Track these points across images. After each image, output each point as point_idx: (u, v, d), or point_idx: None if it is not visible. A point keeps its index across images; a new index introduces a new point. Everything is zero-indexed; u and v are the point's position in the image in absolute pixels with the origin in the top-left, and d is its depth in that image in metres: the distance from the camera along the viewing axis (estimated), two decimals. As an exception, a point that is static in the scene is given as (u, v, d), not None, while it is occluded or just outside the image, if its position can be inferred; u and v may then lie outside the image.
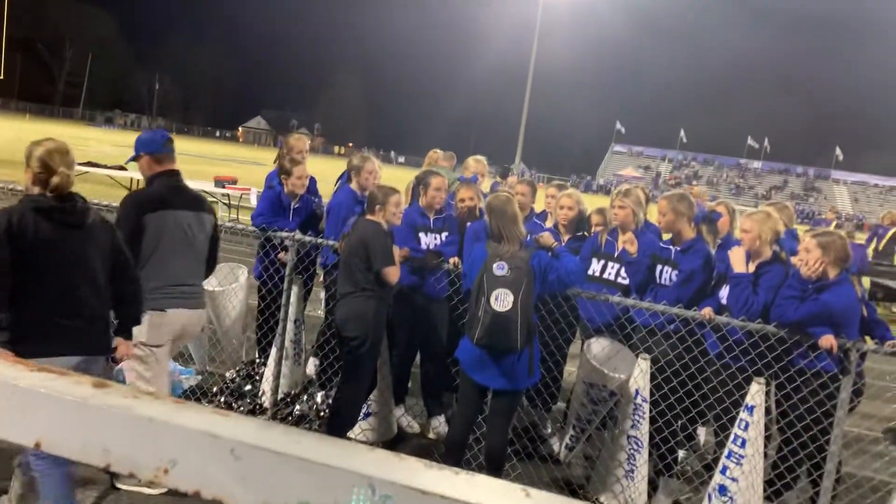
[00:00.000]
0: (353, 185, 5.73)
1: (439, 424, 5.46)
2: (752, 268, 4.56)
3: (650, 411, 4.63)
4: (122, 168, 15.89)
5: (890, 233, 14.33)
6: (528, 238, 4.48)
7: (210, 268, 4.34)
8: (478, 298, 4.20)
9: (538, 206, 6.68)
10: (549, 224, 5.95)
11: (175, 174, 4.13)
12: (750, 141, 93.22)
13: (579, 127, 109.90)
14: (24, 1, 74.33)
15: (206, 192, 15.32)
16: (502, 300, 4.11)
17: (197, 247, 4.12)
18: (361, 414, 5.02)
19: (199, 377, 5.58)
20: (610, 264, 5.28)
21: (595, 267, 5.32)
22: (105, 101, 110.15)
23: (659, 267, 4.89)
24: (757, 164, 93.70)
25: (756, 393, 4.24)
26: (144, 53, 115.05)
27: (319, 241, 5.29)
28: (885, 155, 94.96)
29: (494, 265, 4.18)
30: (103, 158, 21.87)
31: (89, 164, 16.01)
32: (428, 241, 5.35)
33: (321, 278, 5.96)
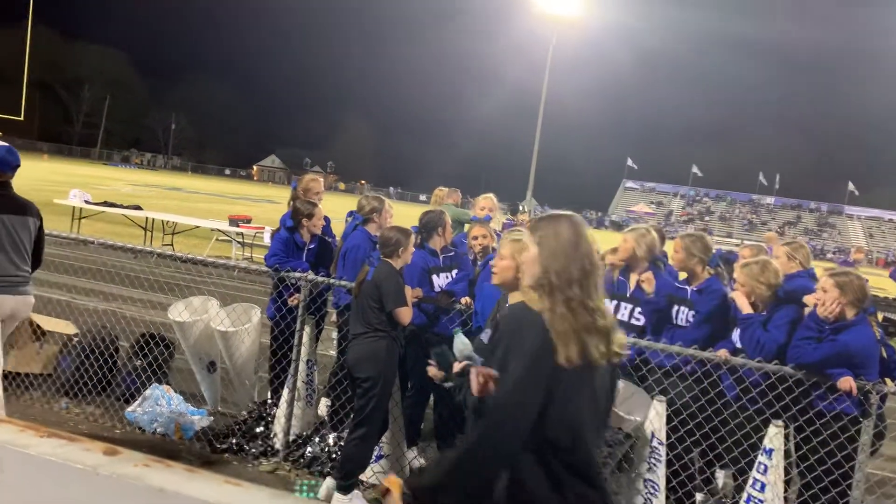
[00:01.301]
0: (372, 228, 5.70)
1: (452, 467, 5.38)
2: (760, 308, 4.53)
3: (667, 454, 4.55)
4: (137, 207, 16.04)
5: None
6: None
7: (36, 263, 4.92)
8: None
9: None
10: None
11: (5, 185, 4.71)
12: (761, 177, 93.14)
13: (591, 162, 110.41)
14: (44, 43, 75.86)
15: (220, 230, 15.43)
16: None
17: (21, 245, 4.71)
18: (373, 456, 4.96)
19: (211, 418, 5.55)
20: (623, 304, 5.22)
21: (608, 307, 5.27)
22: (122, 141, 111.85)
23: (675, 307, 4.85)
24: (769, 200, 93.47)
25: (774, 436, 4.17)
26: (160, 93, 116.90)
27: (332, 281, 5.29)
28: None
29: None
30: (119, 198, 22.12)
31: (105, 203, 16.16)
32: (440, 281, 5.35)
33: (333, 318, 5.95)
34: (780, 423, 4.20)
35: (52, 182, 32.14)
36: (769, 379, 4.31)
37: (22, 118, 41.83)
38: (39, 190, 27.17)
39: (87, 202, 15.41)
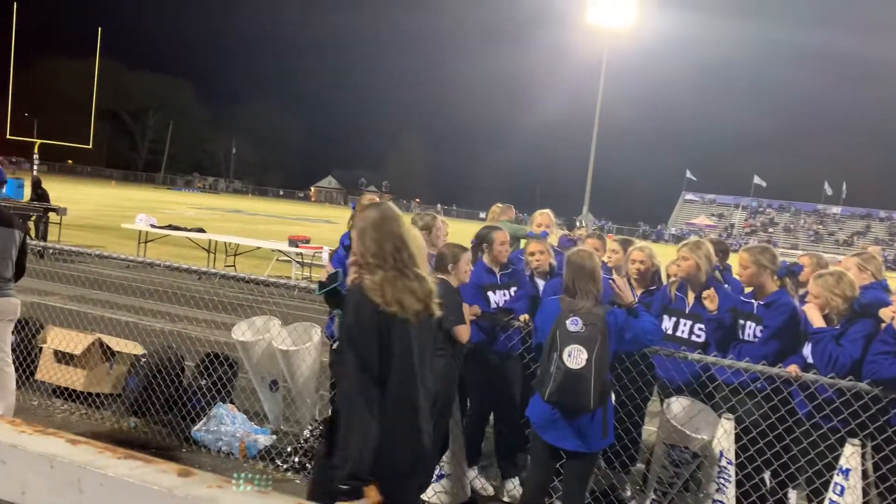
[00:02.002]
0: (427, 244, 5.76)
1: (514, 487, 5.32)
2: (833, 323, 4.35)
3: (736, 474, 4.41)
4: (200, 230, 16.46)
5: None
6: (605, 294, 4.39)
7: (19, 272, 5.34)
8: (550, 354, 4.10)
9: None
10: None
11: None
12: (826, 186, 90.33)
13: (648, 175, 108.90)
14: (110, 74, 78.91)
15: (280, 251, 15.70)
16: (575, 357, 4.00)
17: (6, 253, 5.18)
18: (434, 476, 4.94)
19: (274, 437, 5.62)
20: (682, 321, 5.09)
21: (667, 324, 5.12)
22: (184, 166, 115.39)
23: (741, 322, 4.71)
24: (836, 210, 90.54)
25: (851, 455, 4.00)
26: (221, 119, 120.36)
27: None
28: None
29: (568, 320, 4.08)
30: (183, 221, 22.76)
31: (170, 226, 16.64)
32: (496, 298, 5.32)
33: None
34: (856, 441, 4.03)
35: (120, 207, 33.26)
36: (843, 396, 4.15)
37: (90, 146, 43.43)
38: (108, 215, 28.19)
39: (152, 226, 15.89)
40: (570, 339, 4.03)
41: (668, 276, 5.42)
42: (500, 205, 9.12)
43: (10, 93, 37.01)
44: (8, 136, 39.95)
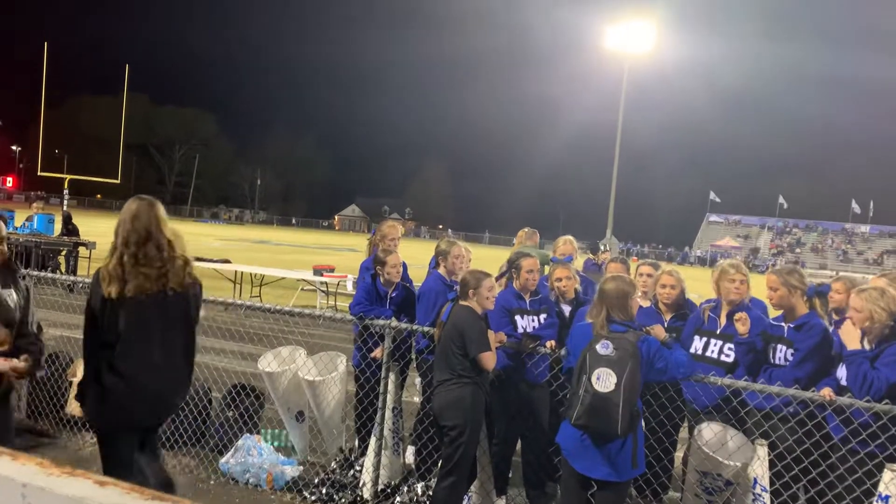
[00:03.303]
0: (441, 270, 5.79)
1: (543, 516, 5.25)
2: (867, 345, 4.25)
3: (771, 501, 4.31)
4: (227, 261, 16.60)
5: None
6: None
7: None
8: (579, 377, 4.07)
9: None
10: (644, 304, 5.79)
11: None
12: (854, 205, 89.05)
13: (672, 197, 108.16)
14: (137, 109, 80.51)
15: (306, 280, 15.75)
16: (604, 380, 3.96)
17: None
18: (463, 505, 4.89)
19: (301, 468, 5.60)
20: (713, 341, 5.02)
21: (697, 345, 5.07)
22: (211, 197, 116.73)
23: (772, 346, 4.64)
24: (864, 229, 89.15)
25: (890, 482, 3.89)
26: (246, 150, 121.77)
27: (414, 327, 5.31)
28: None
29: (599, 344, 4.05)
30: (210, 252, 22.98)
31: (197, 258, 16.77)
32: (524, 323, 5.29)
33: (416, 364, 5.96)
34: (895, 467, 3.92)
35: (147, 240, 33.69)
36: (880, 419, 4.04)
37: (119, 181, 44.21)
38: (136, 248, 28.51)
39: (179, 258, 16.05)
40: (599, 362, 3.99)
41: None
42: (526, 229, 9.12)
43: (41, 131, 37.82)
44: (39, 173, 40.78)
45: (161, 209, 3.78)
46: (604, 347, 4.02)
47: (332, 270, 14.87)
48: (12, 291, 3.64)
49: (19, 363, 3.45)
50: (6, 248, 3.73)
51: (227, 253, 23.46)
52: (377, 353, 5.56)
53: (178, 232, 3.82)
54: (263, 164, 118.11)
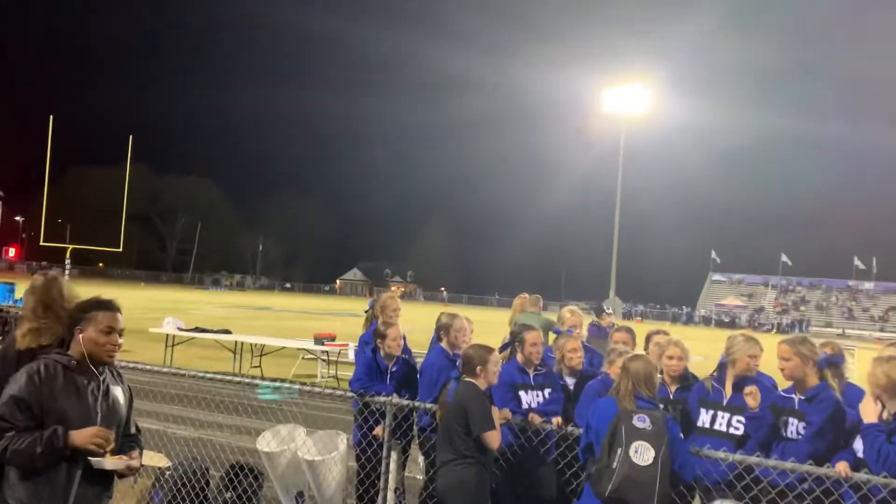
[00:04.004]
0: (444, 345, 5.72)
1: None
2: (885, 417, 4.13)
3: (790, 583, 4.13)
4: (226, 331, 16.49)
5: None
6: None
7: None
8: (611, 450, 4.00)
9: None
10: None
11: None
12: (857, 261, 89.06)
13: (674, 257, 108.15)
14: (140, 179, 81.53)
15: (306, 349, 15.64)
16: (642, 453, 3.93)
17: None
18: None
19: (301, 551, 5.41)
20: (720, 414, 4.91)
21: (704, 418, 4.95)
22: (212, 264, 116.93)
23: (783, 419, 4.52)
24: (868, 285, 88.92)
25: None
26: (248, 217, 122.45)
27: (417, 403, 5.20)
28: None
29: (636, 417, 4.03)
30: (211, 320, 22.89)
31: (196, 329, 16.70)
32: (529, 399, 5.19)
33: (418, 441, 5.83)
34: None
35: (148, 309, 33.60)
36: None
37: (121, 249, 44.44)
38: (136, 318, 28.35)
39: (179, 329, 15.96)
40: (637, 436, 3.97)
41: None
42: (524, 295, 9.05)
43: (44, 202, 38.21)
44: (42, 243, 41.05)
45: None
46: (641, 421, 4.01)
47: (333, 338, 14.75)
48: (120, 389, 3.39)
49: (133, 462, 3.19)
50: (121, 341, 3.35)
51: (228, 321, 23.37)
52: (378, 430, 5.44)
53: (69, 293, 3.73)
54: (265, 229, 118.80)
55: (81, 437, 3.02)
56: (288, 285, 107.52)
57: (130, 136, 42.10)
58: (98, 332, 3.19)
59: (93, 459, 3.04)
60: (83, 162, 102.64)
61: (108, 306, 3.29)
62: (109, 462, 3.06)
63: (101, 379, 3.24)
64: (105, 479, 3.21)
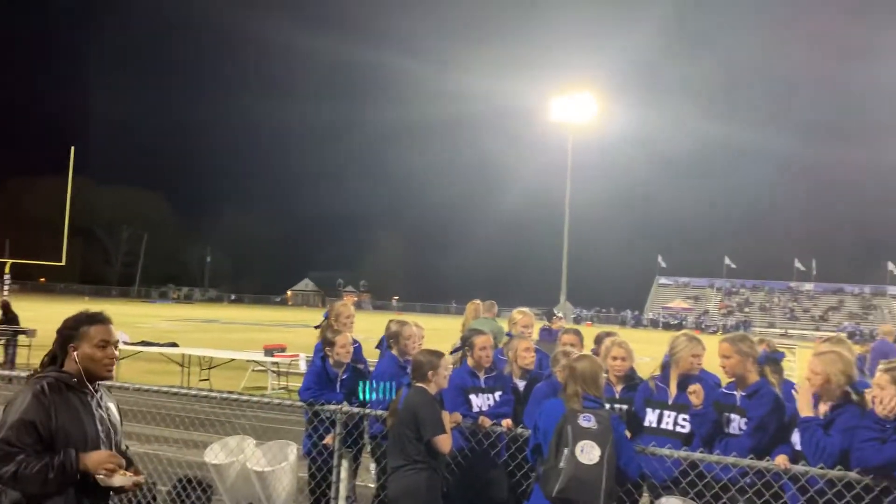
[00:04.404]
0: (395, 352, 5.73)
1: None
2: (822, 410, 4.28)
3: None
4: (173, 344, 16.18)
5: None
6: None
7: None
8: (559, 450, 4.04)
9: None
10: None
11: None
12: (797, 263, 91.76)
13: (622, 262, 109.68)
14: (83, 190, 79.43)
15: (256, 361, 15.41)
16: (588, 452, 3.99)
17: None
18: None
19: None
20: (666, 412, 5.02)
21: (651, 417, 5.05)
22: (159, 277, 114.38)
23: (725, 415, 4.64)
24: (809, 286, 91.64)
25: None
26: (195, 228, 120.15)
27: (367, 411, 5.19)
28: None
29: (581, 417, 4.10)
30: (158, 334, 22.42)
31: (142, 342, 16.35)
32: (479, 402, 5.23)
33: (370, 449, 5.81)
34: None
35: (93, 323, 32.69)
36: (835, 486, 4.04)
37: (63, 263, 43.19)
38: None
39: (124, 343, 15.59)
40: (583, 435, 4.03)
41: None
42: (477, 301, 9.09)
43: (-18, 215, 36.94)
44: (-22, 258, 39.65)
45: None
46: (586, 420, 4.07)
47: (283, 350, 14.59)
48: (113, 403, 3.28)
49: (139, 477, 3.08)
50: (117, 353, 3.23)
51: (176, 334, 22.92)
52: (329, 439, 5.41)
53: None
54: (213, 240, 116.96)
55: (93, 461, 2.92)
56: (233, 297, 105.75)
57: (72, 148, 40.98)
58: (93, 348, 3.09)
59: (100, 476, 2.94)
60: (22, 174, 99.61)
61: (100, 319, 3.18)
62: (118, 479, 2.96)
63: (99, 395, 3.16)
64: (104, 495, 3.10)
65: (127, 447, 3.43)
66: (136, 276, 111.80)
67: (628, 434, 4.67)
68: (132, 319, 41.40)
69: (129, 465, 3.19)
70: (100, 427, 3.08)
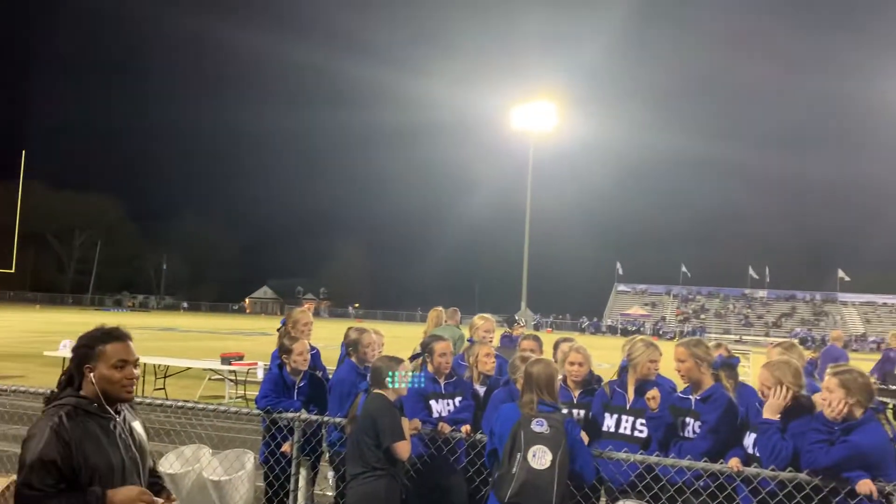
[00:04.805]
0: (354, 360, 5.71)
1: None
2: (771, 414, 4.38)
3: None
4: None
5: None
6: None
7: None
8: (512, 455, 4.07)
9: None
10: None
11: None
12: (751, 271, 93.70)
13: (582, 269, 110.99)
14: (34, 196, 77.54)
15: (213, 369, 15.17)
16: (540, 457, 4.02)
17: None
18: None
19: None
20: (624, 417, 5.08)
21: (609, 422, 5.10)
22: (114, 285, 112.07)
23: (681, 419, 4.72)
24: (762, 293, 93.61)
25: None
26: (151, 235, 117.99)
27: (326, 418, 5.16)
28: (888, 274, 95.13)
29: (534, 422, 4.12)
30: (111, 343, 21.88)
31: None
32: (439, 408, 5.23)
33: (328, 457, 5.77)
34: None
35: (44, 332, 31.90)
36: (786, 488, 4.14)
37: (13, 270, 42.07)
38: (31, 342, 26.93)
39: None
40: (535, 440, 4.05)
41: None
42: (439, 308, 9.11)
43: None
44: (-77, 265, 38.43)
45: None
46: (539, 425, 4.10)
47: (240, 358, 14.39)
48: (139, 424, 3.03)
49: None
50: (137, 372, 2.96)
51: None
52: (287, 447, 5.35)
53: None
54: (170, 247, 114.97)
55: (122, 499, 2.69)
56: (185, 305, 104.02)
57: (24, 151, 40.04)
58: (110, 368, 2.86)
59: None
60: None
61: (117, 336, 2.95)
62: None
63: (122, 418, 2.92)
64: None
65: (155, 464, 3.21)
66: (90, 283, 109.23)
67: (585, 437, 4.71)
68: (86, 328, 40.36)
69: (160, 490, 3.01)
70: (125, 455, 2.86)
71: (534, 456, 4.02)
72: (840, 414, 4.06)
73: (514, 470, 4.02)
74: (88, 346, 2.90)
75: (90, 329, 3.02)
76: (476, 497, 4.97)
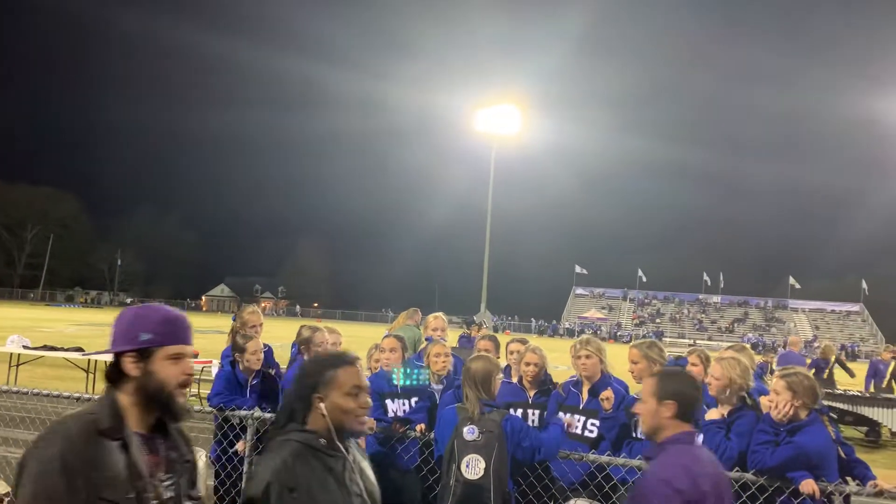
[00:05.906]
0: (306, 358, 5.66)
1: None
2: (719, 414, 4.47)
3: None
4: (79, 349, 15.49)
5: (891, 368, 14.44)
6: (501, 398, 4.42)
7: None
8: (449, 466, 4.04)
9: (502, 360, 6.65)
10: (513, 379, 5.88)
11: None
12: (705, 277, 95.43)
13: (541, 271, 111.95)
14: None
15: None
16: (473, 467, 3.95)
17: None
18: None
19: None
20: (576, 417, 5.14)
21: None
22: (66, 280, 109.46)
23: (635, 419, 4.78)
24: (716, 299, 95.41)
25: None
26: (106, 230, 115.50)
27: (280, 416, 5.10)
28: (837, 281, 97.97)
29: (465, 429, 4.05)
30: (63, 339, 21.43)
31: (45, 347, 15.59)
32: (395, 407, 5.21)
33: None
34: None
35: (-9, 327, 31.04)
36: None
37: (-40, 264, 40.80)
38: (-24, 337, 26.15)
39: (25, 347, 14.83)
40: (467, 449, 4.00)
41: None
42: (410, 310, 9.15)
43: None
44: None
45: None
46: (470, 433, 4.03)
47: (196, 355, 14.17)
48: (368, 464, 2.65)
49: None
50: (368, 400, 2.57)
51: (82, 339, 21.98)
52: (240, 445, 5.29)
53: None
54: (124, 242, 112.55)
55: None
56: (129, 300, 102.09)
57: (-28, 142, 38.90)
58: (344, 397, 2.47)
59: None
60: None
61: (349, 360, 2.56)
62: None
63: (352, 458, 2.50)
64: None
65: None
66: (41, 278, 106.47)
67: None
68: (34, 323, 39.49)
69: None
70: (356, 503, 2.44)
71: (467, 466, 3.97)
72: (786, 416, 4.16)
73: (451, 482, 3.99)
74: (319, 372, 2.52)
75: (315, 357, 2.79)
76: (429, 497, 4.96)
